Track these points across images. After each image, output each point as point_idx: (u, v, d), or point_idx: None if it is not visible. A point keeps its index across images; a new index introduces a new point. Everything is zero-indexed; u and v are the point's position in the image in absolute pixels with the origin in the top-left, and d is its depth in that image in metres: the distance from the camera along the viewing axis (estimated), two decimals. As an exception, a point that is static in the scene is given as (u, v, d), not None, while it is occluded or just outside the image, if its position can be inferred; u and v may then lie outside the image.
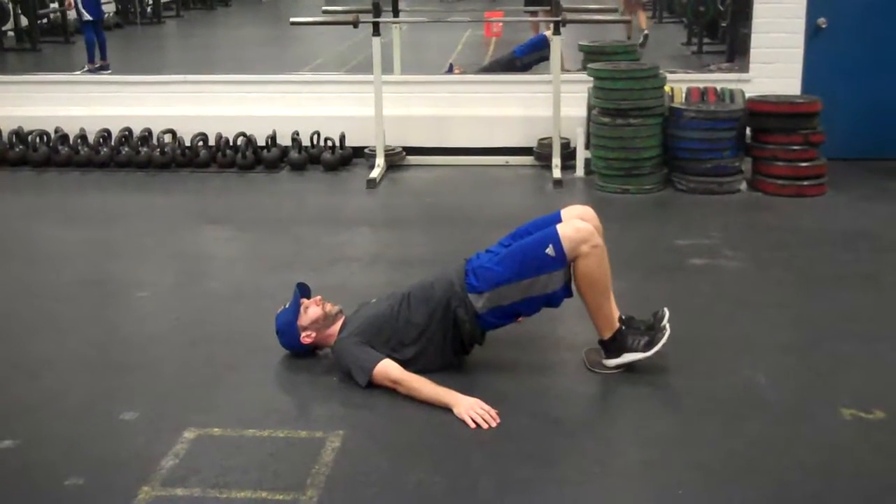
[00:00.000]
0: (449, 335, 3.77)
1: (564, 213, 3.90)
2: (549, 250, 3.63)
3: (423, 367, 3.72)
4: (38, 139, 7.76)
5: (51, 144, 7.75)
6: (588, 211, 3.93)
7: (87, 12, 11.07)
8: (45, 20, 14.28)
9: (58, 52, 13.51)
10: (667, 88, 6.89)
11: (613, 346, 3.79)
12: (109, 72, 10.47)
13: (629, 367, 3.80)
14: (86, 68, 10.76)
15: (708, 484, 3.05)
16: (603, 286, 3.72)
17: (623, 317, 3.83)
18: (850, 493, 2.99)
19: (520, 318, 3.85)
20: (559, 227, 3.69)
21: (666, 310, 3.84)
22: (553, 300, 3.74)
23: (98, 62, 11.06)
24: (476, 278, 3.72)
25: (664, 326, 3.77)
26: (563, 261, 3.63)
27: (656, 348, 3.74)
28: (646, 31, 11.35)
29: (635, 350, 3.77)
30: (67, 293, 4.96)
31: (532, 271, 3.65)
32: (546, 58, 7.91)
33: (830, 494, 2.99)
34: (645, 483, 3.10)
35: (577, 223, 3.71)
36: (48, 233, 6.17)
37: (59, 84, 8.44)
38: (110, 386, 3.83)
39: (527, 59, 9.11)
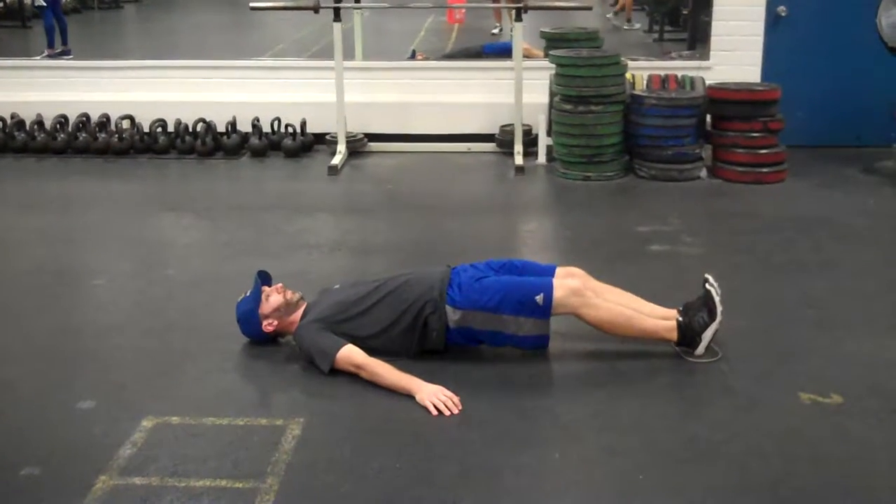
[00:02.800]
0: (415, 337, 3.77)
1: (559, 270, 3.93)
2: (539, 298, 3.67)
3: (385, 357, 3.69)
4: (-7, 125, 7.66)
5: (6, 130, 7.64)
6: (577, 270, 3.97)
7: None
8: (1, 5, 14.07)
9: (14, 37, 13.33)
10: (628, 76, 6.90)
11: (687, 339, 3.82)
12: (71, 57, 10.31)
13: (589, 354, 3.86)
14: (45, 53, 10.59)
15: (668, 469, 3.06)
16: (626, 317, 3.78)
17: (680, 308, 3.87)
18: (809, 477, 3.01)
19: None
20: (555, 281, 3.75)
21: (707, 275, 3.92)
22: (521, 343, 3.78)
23: (59, 47, 10.89)
24: (459, 293, 3.73)
25: (710, 288, 3.83)
26: (546, 313, 3.68)
27: (719, 310, 3.78)
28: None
29: (706, 327, 3.79)
30: (23, 281, 4.89)
31: (513, 309, 3.69)
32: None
33: (789, 478, 3.00)
34: (605, 469, 3.10)
35: (567, 282, 3.77)
36: (3, 220, 6.08)
37: (15, 69, 8.30)
38: (67, 375, 3.78)
39: (494, 57, 9.11)
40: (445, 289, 3.74)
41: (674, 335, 3.82)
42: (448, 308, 3.71)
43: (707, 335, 3.80)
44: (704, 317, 3.80)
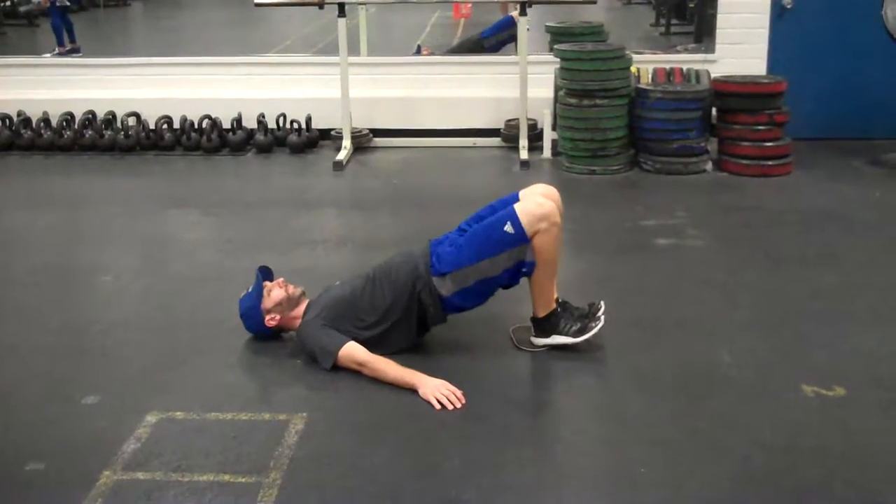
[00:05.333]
0: (413, 316, 3.76)
1: (526, 191, 3.89)
2: (508, 227, 3.63)
3: (388, 348, 3.71)
4: (0, 123, 7.67)
5: (13, 128, 7.66)
6: (551, 189, 3.92)
7: None
8: (7, 3, 14.11)
9: (21, 36, 13.38)
10: (633, 69, 6.89)
11: (546, 325, 3.82)
12: (80, 55, 10.35)
13: (592, 347, 3.82)
14: (56, 51, 10.62)
15: (670, 462, 3.06)
16: (553, 264, 3.74)
17: (560, 300, 3.86)
18: (812, 470, 3.01)
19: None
20: (518, 205, 3.70)
21: (603, 303, 3.86)
22: (523, 268, 3.70)
23: (68, 45, 10.92)
24: (439, 261, 3.71)
25: (599, 317, 3.80)
26: (524, 237, 3.63)
27: (586, 336, 3.78)
28: None
29: (566, 334, 3.80)
30: (30, 278, 4.90)
31: (493, 250, 3.65)
32: (514, 37, 7.91)
33: (792, 470, 3.00)
34: (607, 461, 3.10)
35: (539, 199, 3.73)
36: (11, 217, 6.10)
37: (21, 67, 8.32)
38: (72, 370, 3.80)
39: (493, 40, 9.11)
40: (428, 263, 3.73)
41: (543, 313, 3.81)
42: (435, 280, 3.70)
43: (558, 340, 3.81)
44: (573, 328, 3.80)
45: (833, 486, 2.92)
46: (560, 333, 3.81)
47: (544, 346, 3.83)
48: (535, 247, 3.65)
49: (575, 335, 3.79)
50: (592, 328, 3.78)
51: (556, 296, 3.85)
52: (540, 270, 3.71)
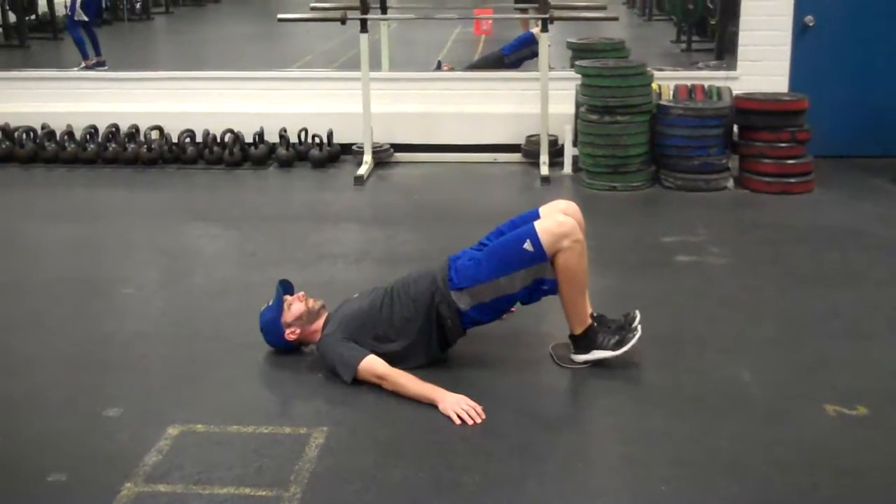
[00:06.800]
0: (433, 331, 3.77)
1: (546, 208, 3.90)
2: (527, 245, 3.63)
3: (409, 362, 3.72)
4: (24, 136, 7.74)
5: (37, 141, 7.71)
6: (571, 206, 3.93)
7: (85, 13, 11.00)
8: (33, 17, 14.22)
9: (45, 49, 13.48)
10: (654, 86, 6.89)
11: (584, 342, 3.81)
12: (106, 68, 10.42)
13: (613, 364, 3.80)
14: (82, 65, 10.69)
15: (690, 480, 3.05)
16: (580, 281, 3.73)
17: (595, 314, 3.85)
18: (833, 489, 2.99)
19: (507, 314, 3.88)
20: (537, 223, 3.70)
21: (637, 312, 3.86)
22: (544, 286, 3.71)
23: (93, 59, 10.99)
24: (457, 275, 3.73)
25: (635, 328, 3.79)
26: (543, 255, 3.63)
27: (625, 348, 3.76)
28: None
29: (605, 348, 3.79)
30: (53, 290, 4.93)
31: (510, 267, 3.66)
32: (535, 54, 7.93)
33: (813, 490, 2.99)
34: (627, 479, 3.10)
35: (559, 217, 3.72)
36: (34, 229, 6.14)
37: (46, 80, 8.39)
38: (94, 382, 3.82)
39: (514, 56, 9.14)
40: (446, 277, 3.74)
41: (579, 329, 3.80)
42: (453, 294, 3.70)
43: (598, 355, 3.79)
44: (611, 341, 3.78)
45: (855, 506, 2.91)
46: (599, 348, 3.79)
47: (584, 362, 3.82)
48: (558, 265, 3.65)
49: (614, 348, 3.78)
50: (630, 339, 3.77)
51: (590, 311, 3.85)
52: (566, 288, 3.71)
